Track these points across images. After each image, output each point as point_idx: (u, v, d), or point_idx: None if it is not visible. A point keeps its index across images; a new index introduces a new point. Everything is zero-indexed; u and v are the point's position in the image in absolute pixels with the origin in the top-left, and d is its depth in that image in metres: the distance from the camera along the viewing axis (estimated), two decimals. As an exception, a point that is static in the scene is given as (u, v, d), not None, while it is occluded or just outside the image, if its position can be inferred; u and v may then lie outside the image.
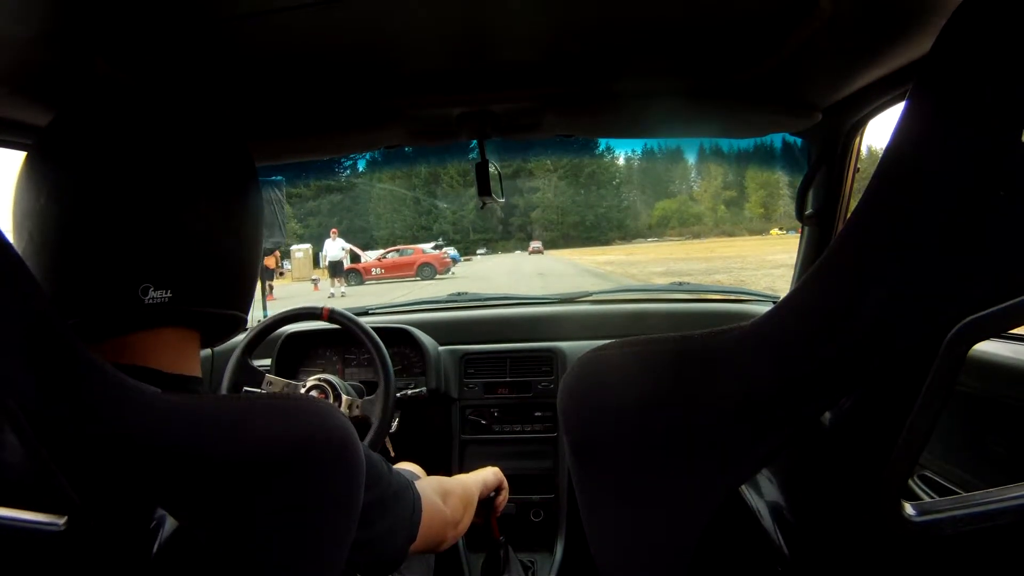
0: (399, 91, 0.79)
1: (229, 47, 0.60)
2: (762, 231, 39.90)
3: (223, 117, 0.51)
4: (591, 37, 0.65)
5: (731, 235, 40.77)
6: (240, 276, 0.51)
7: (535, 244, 36.87)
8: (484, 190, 0.93)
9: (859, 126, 0.92)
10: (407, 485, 0.59)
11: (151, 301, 0.44)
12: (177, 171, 0.45)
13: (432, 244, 21.73)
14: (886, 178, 0.32)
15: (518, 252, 38.02)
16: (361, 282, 15.91)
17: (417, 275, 16.18)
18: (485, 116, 0.84)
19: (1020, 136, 0.29)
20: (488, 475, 0.94)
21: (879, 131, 0.84)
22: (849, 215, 0.35)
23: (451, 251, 20.88)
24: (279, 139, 0.87)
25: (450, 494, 0.74)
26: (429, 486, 0.69)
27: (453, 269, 17.94)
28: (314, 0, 0.50)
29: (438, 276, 16.16)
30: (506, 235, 44.16)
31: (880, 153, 0.33)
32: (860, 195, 0.34)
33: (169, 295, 0.44)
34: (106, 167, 0.43)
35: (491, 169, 0.93)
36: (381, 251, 19.12)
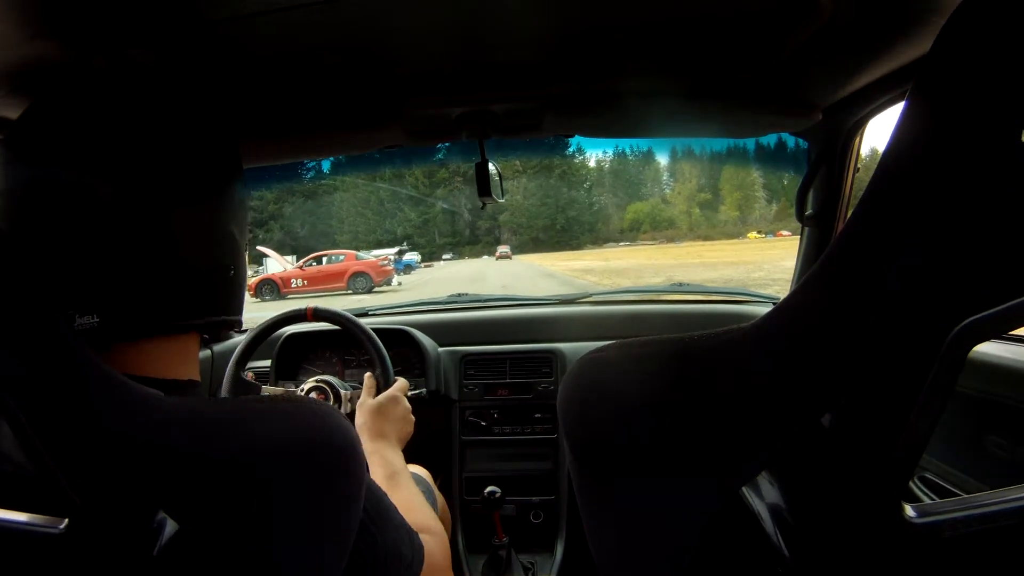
0: (399, 91, 0.79)
1: (231, 47, 0.60)
2: (739, 234, 38.75)
3: (195, 109, 0.46)
4: (591, 37, 0.65)
5: (708, 239, 39.06)
6: (209, 285, 0.46)
7: (503, 249, 35.11)
8: (484, 191, 0.93)
9: (859, 126, 0.92)
10: (410, 532, 0.55)
11: (80, 327, 0.40)
12: (122, 172, 0.40)
13: (396, 249, 19.86)
14: (886, 178, 0.32)
15: (485, 257, 36.06)
16: (280, 296, 12.67)
17: (348, 287, 12.97)
18: (485, 116, 0.84)
19: (1020, 136, 0.29)
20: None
21: (879, 131, 0.84)
22: (849, 215, 0.35)
23: (407, 257, 18.69)
24: (280, 139, 0.87)
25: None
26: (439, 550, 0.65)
27: (398, 279, 14.55)
28: (316, 0, 0.50)
29: (376, 289, 12.94)
30: (473, 239, 42.47)
31: (879, 155, 0.33)
32: (860, 195, 0.34)
33: (97, 320, 0.40)
34: (45, 165, 0.39)
35: (491, 168, 0.93)
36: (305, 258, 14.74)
